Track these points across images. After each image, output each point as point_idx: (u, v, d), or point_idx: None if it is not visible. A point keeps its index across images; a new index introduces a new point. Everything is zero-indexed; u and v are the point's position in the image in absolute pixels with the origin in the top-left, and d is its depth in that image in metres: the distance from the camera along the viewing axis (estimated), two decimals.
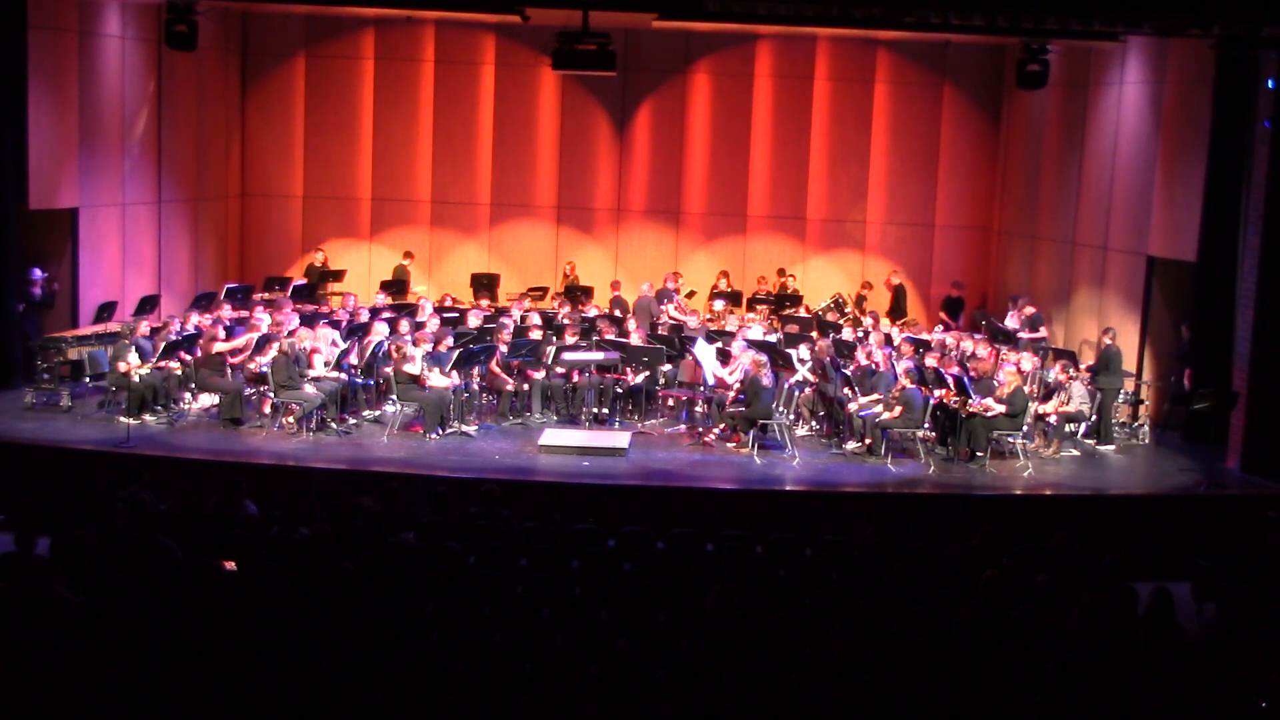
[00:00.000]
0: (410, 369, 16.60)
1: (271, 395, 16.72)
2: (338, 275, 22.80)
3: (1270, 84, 16.35)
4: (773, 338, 19.44)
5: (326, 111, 23.92)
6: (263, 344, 17.15)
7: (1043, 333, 20.66)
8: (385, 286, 21.79)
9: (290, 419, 16.63)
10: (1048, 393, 17.55)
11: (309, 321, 18.20)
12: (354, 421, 17.19)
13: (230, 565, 10.87)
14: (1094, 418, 17.66)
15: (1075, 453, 17.26)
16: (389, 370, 17.19)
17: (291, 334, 17.31)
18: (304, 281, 21.95)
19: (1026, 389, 17.00)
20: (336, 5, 21.40)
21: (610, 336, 18.75)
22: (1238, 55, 16.78)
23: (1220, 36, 16.30)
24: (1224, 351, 17.28)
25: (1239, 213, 17.26)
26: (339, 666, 9.10)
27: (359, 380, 17.62)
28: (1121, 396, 18.53)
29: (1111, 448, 17.53)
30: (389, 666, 9.13)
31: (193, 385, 17.33)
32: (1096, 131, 20.99)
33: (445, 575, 11.00)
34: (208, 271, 22.92)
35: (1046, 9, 15.83)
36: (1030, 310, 20.90)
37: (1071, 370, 17.67)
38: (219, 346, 16.93)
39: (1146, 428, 18.16)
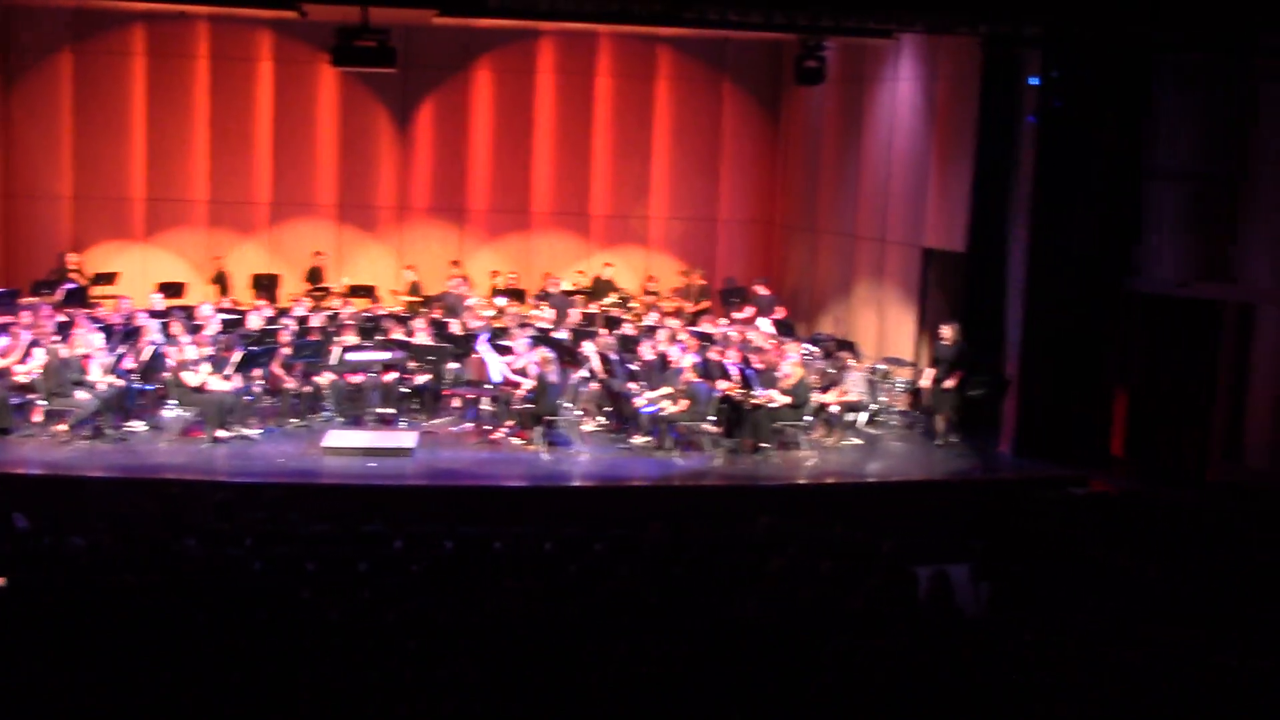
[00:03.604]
0: (190, 378, 16.20)
1: (43, 403, 16.15)
2: (110, 278, 22.09)
3: (1034, 81, 16.92)
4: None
5: (95, 109, 23.11)
6: (28, 350, 16.55)
7: (780, 313, 21.43)
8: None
9: (63, 426, 16.10)
10: (828, 383, 17.89)
11: (64, 329, 17.59)
12: (131, 427, 16.72)
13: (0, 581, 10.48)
14: (873, 406, 18.12)
15: (857, 441, 17.65)
16: (167, 375, 16.77)
17: (67, 340, 16.75)
18: (75, 285, 21.20)
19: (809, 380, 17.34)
20: None
21: (396, 336, 18.58)
22: (1003, 53, 17.34)
23: (986, 35, 16.82)
24: (995, 339, 17.82)
25: (1006, 205, 17.82)
26: (118, 678, 8.84)
27: (136, 385, 17.13)
28: (900, 385, 18.98)
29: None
30: (172, 676, 8.90)
31: None
32: (872, 126, 21.48)
33: (230, 582, 10.77)
34: None
35: (822, 7, 16.17)
36: (764, 291, 21.56)
37: (852, 360, 18.08)
38: None
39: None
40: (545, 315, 20.49)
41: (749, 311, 21.37)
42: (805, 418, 16.86)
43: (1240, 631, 10.29)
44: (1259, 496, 15.26)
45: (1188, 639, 9.99)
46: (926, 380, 18.16)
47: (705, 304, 22.72)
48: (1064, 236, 16.98)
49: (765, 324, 20.47)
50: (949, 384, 17.49)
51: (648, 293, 22.77)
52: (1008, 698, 9.00)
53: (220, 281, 22.33)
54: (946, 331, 17.90)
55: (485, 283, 22.94)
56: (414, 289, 22.54)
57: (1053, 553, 13.07)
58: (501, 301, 21.56)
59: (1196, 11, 15.02)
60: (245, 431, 16.68)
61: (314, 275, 22.80)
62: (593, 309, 21.62)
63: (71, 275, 21.50)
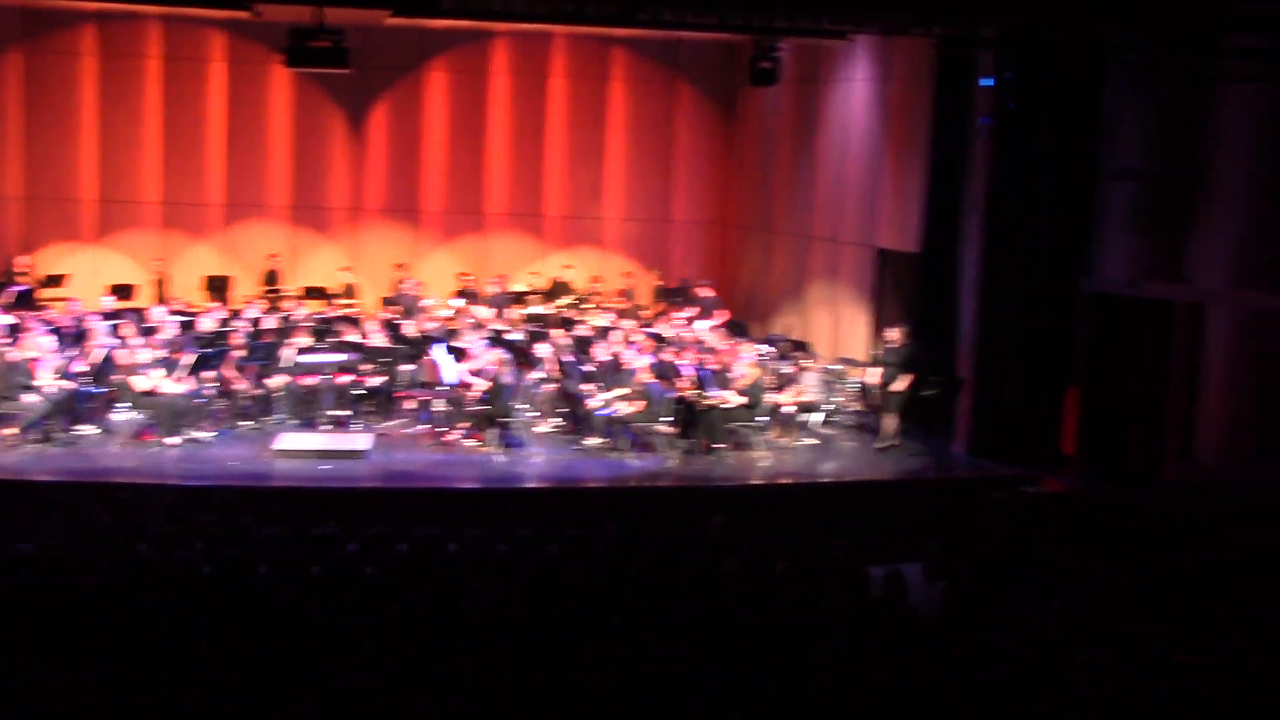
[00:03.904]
0: (141, 382, 16.06)
1: None
2: (59, 280, 21.86)
3: (987, 83, 16.98)
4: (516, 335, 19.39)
5: (45, 109, 22.85)
6: None
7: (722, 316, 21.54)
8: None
9: (12, 430, 15.92)
10: (783, 383, 17.88)
11: (13, 332, 17.39)
12: (81, 431, 16.55)
13: None
14: (827, 407, 18.15)
15: (812, 442, 17.65)
16: (118, 378, 16.62)
17: (16, 343, 16.58)
18: (24, 287, 20.97)
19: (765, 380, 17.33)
20: None
21: (350, 338, 18.48)
22: (957, 55, 17.39)
23: (940, 36, 16.87)
24: (949, 339, 17.86)
25: (960, 206, 17.88)
26: (69, 682, 8.75)
27: (86, 388, 16.96)
28: (854, 385, 18.94)
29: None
30: (126, 681, 8.81)
31: None
32: (827, 127, 21.50)
33: (181, 587, 10.67)
34: None
35: (777, 7, 16.16)
36: (708, 292, 21.64)
37: (807, 361, 18.08)
38: None
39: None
40: (483, 315, 20.42)
41: (691, 311, 21.41)
42: (760, 418, 16.85)
43: (1195, 630, 10.35)
44: (1212, 495, 15.36)
45: (1142, 638, 10.05)
46: (872, 379, 18.11)
47: (663, 305, 22.72)
48: (1017, 236, 17.05)
49: (706, 324, 20.47)
50: (896, 387, 17.45)
51: (593, 294, 22.72)
52: (962, 696, 9.02)
53: (158, 287, 22.05)
54: (893, 334, 17.88)
55: (446, 284, 22.84)
56: (349, 291, 22.42)
57: (1006, 552, 13.12)
58: (459, 303, 21.46)
59: (1150, 13, 15.10)
60: (197, 434, 16.54)
61: (270, 278, 22.66)
62: (548, 310, 21.57)
63: (19, 278, 21.27)
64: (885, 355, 17.84)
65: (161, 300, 21.10)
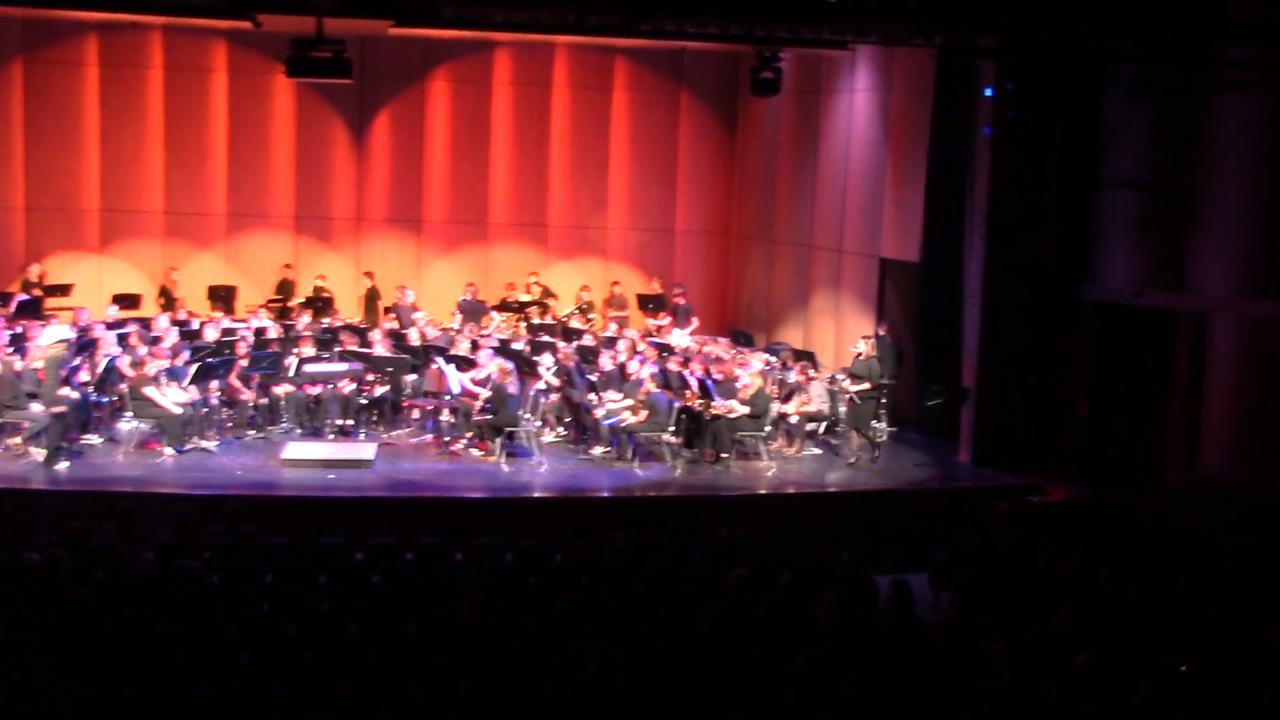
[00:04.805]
0: (151, 392, 16.07)
1: None
2: (65, 289, 21.89)
3: (988, 92, 17.02)
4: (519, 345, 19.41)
5: (48, 120, 22.88)
6: None
7: (695, 323, 21.72)
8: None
9: (17, 440, 15.94)
10: (788, 393, 17.91)
11: (17, 341, 17.39)
12: (87, 440, 16.57)
13: None
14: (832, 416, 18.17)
15: (817, 451, 17.68)
16: (124, 387, 16.65)
17: (24, 353, 16.58)
18: (28, 297, 20.99)
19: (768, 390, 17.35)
20: (53, 8, 20.58)
21: (353, 347, 18.49)
22: (958, 65, 17.43)
23: (941, 47, 16.92)
24: (952, 348, 17.88)
25: (961, 215, 17.91)
26: (76, 694, 8.77)
27: (93, 397, 16.99)
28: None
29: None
30: (130, 691, 8.83)
31: None
32: (829, 137, 21.55)
33: (187, 595, 10.69)
34: None
35: (778, 18, 16.21)
36: (682, 301, 21.81)
37: (811, 371, 18.09)
38: None
39: (884, 424, 18.50)
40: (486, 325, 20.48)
41: (665, 320, 21.48)
42: (765, 428, 16.88)
43: (1198, 637, 10.38)
44: (1215, 502, 15.40)
45: (1146, 645, 10.07)
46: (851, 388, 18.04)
47: (663, 314, 22.73)
48: (1019, 246, 17.09)
49: (681, 334, 20.53)
50: (854, 388, 17.35)
51: (582, 304, 22.70)
52: (968, 706, 9.04)
53: (165, 295, 22.07)
54: (862, 346, 17.85)
55: (450, 294, 22.83)
56: (326, 298, 22.36)
57: (1012, 561, 13.14)
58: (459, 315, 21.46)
59: (1149, 23, 15.16)
60: (203, 444, 16.57)
61: (284, 288, 22.66)
62: (552, 320, 21.58)
63: (33, 289, 21.28)
64: (854, 366, 17.77)
65: (170, 309, 21.15)
